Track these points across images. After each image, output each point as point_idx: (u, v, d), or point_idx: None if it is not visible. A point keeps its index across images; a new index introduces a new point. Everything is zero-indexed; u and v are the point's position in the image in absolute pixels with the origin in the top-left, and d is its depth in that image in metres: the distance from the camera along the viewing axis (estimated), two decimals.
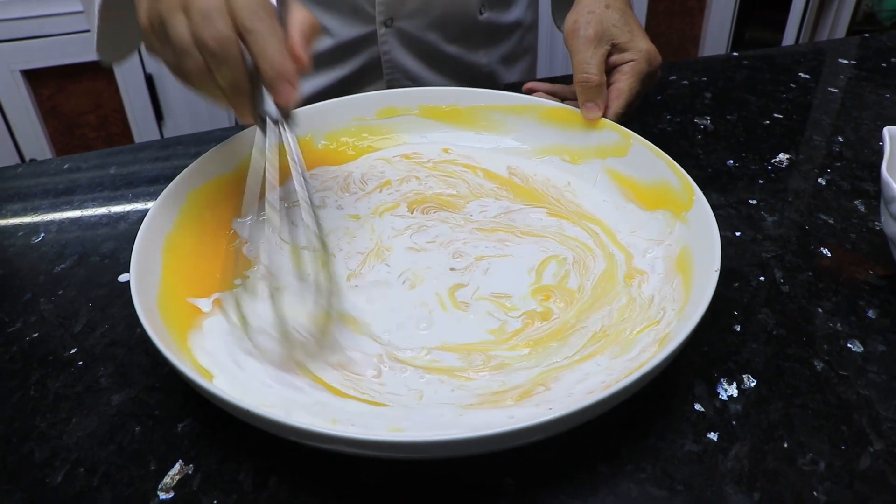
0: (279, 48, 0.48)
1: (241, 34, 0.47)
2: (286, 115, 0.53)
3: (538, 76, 1.09)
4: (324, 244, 0.51)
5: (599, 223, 0.60)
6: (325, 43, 0.86)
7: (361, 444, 0.38)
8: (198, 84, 0.50)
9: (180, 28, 0.47)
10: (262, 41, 0.47)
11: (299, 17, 0.51)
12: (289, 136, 0.53)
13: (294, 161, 0.52)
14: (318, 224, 0.52)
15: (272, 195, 0.51)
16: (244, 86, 0.49)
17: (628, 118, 0.68)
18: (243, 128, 0.65)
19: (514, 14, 0.96)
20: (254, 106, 0.52)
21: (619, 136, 0.65)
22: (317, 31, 0.52)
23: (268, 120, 0.52)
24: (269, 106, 0.52)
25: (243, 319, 0.48)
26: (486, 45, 0.94)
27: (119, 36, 0.68)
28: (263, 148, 0.52)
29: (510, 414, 0.44)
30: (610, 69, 0.69)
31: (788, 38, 2.21)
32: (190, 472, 0.44)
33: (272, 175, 0.51)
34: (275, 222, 0.51)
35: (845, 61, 0.96)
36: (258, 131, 0.53)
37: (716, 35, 2.23)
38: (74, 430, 0.47)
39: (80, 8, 1.64)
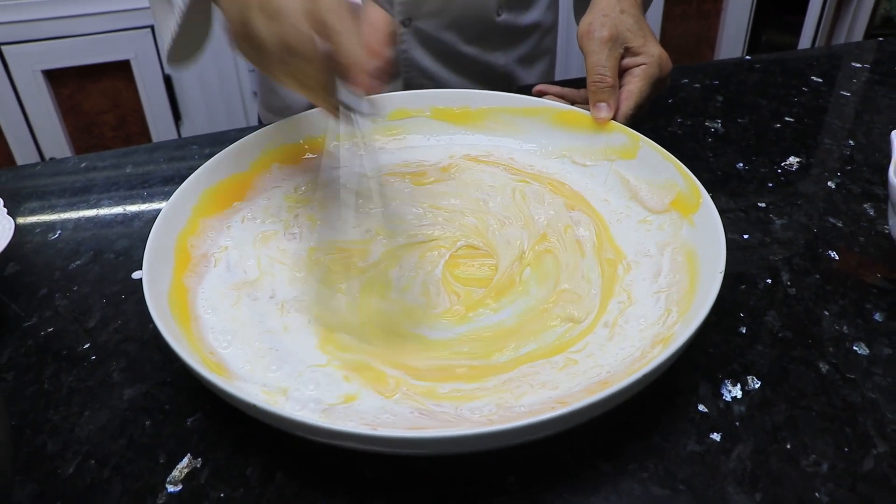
0: (355, 41, 0.50)
1: (319, 31, 0.50)
2: (361, 105, 0.55)
3: (556, 78, 1.10)
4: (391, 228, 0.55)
5: (603, 223, 0.61)
6: None
7: (366, 439, 0.39)
8: (280, 78, 0.54)
9: (262, 27, 0.51)
10: (338, 36, 0.50)
11: (374, 15, 0.54)
12: (361, 126, 0.55)
13: (364, 149, 0.56)
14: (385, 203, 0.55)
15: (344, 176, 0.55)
16: (321, 79, 0.52)
17: (638, 121, 0.68)
18: (257, 128, 0.66)
19: (533, 16, 0.96)
20: (332, 97, 0.54)
21: (629, 139, 0.65)
22: (392, 28, 0.55)
23: (342, 109, 0.55)
24: (346, 97, 0.54)
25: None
26: (503, 46, 0.95)
27: (192, 40, 0.70)
28: (337, 135, 0.56)
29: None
30: (622, 72, 0.69)
31: (805, 42, 2.20)
32: (198, 465, 0.45)
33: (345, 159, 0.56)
34: (349, 203, 0.55)
35: (858, 65, 0.96)
36: (335, 120, 0.56)
37: (732, 38, 2.23)
38: (86, 424, 0.48)
39: (99, 10, 1.67)
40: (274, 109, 0.98)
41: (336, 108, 0.55)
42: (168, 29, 0.68)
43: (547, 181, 0.66)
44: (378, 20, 0.53)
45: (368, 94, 0.52)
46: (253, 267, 0.57)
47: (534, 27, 0.97)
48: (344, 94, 0.53)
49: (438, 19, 0.87)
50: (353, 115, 0.54)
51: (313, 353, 0.49)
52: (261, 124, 1.03)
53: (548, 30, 1.02)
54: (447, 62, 0.92)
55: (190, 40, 0.70)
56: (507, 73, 0.97)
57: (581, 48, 0.70)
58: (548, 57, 1.04)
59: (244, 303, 0.53)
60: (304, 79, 0.52)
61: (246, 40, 0.53)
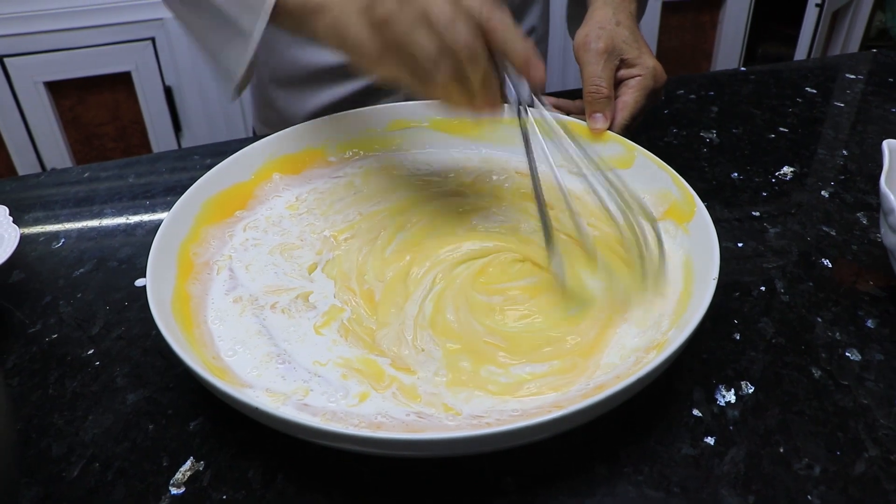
0: (519, 35, 0.52)
1: (484, 33, 0.51)
2: (537, 95, 0.57)
3: (550, 87, 1.11)
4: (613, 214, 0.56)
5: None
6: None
7: (365, 441, 0.40)
8: (445, 91, 0.53)
9: (425, 42, 0.51)
10: (503, 33, 0.51)
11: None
12: (545, 112, 0.58)
13: (558, 133, 0.58)
14: (615, 188, 0.56)
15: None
16: (495, 78, 0.54)
17: (634, 132, 0.70)
18: (258, 138, 0.67)
19: (525, 27, 0.97)
20: (503, 94, 0.56)
21: (624, 149, 0.66)
22: None
23: (517, 104, 0.57)
24: (518, 91, 0.56)
25: None
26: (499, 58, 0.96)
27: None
28: (528, 130, 0.57)
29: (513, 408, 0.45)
30: (617, 83, 0.70)
31: (800, 54, 2.21)
32: (201, 468, 0.45)
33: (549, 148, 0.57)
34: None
35: (853, 76, 0.97)
36: (516, 119, 0.58)
37: (728, 50, 2.24)
38: (90, 428, 0.48)
39: (100, 22, 1.69)
40: (270, 123, 0.99)
41: (504, 102, 0.56)
42: (236, 56, 0.65)
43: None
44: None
45: (543, 81, 0.54)
46: (257, 275, 0.58)
47: (527, 36, 0.98)
48: (511, 88, 0.56)
49: None
50: (521, 107, 0.57)
51: (316, 357, 0.50)
52: (256, 138, 1.03)
53: (540, 39, 1.03)
54: None
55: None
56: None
57: (577, 59, 0.71)
58: None
59: (248, 311, 0.54)
60: (481, 82, 0.53)
61: (402, 60, 0.53)
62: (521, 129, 0.57)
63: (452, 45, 0.50)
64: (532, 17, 0.98)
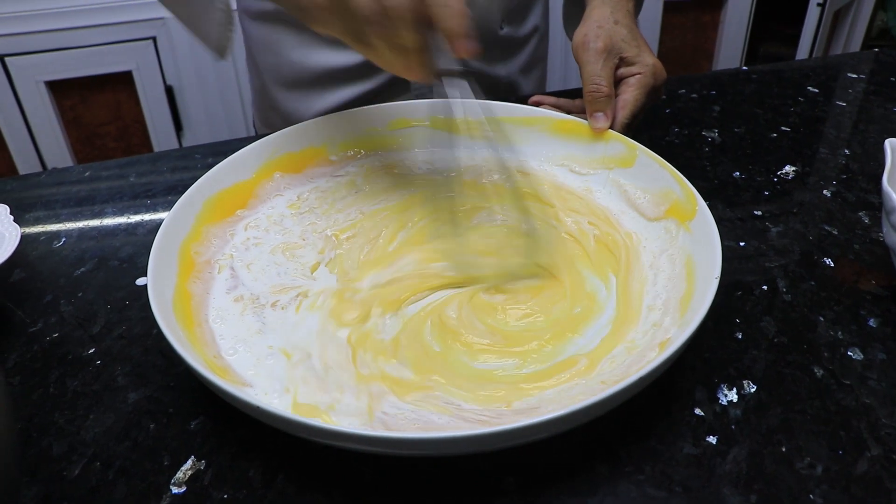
0: (458, 9, 0.52)
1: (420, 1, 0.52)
2: (463, 71, 0.57)
3: (551, 85, 1.11)
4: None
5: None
6: (354, 57, 0.88)
7: (365, 440, 0.40)
8: (378, 52, 0.55)
9: (363, 2, 0.52)
10: (439, 4, 0.52)
11: None
12: (468, 88, 0.58)
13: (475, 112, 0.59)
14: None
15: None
16: (425, 45, 0.54)
17: (635, 130, 0.69)
18: (258, 137, 0.67)
19: (528, 26, 0.98)
20: (429, 61, 0.56)
21: (626, 148, 0.66)
22: None
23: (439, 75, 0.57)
24: (446, 63, 0.56)
25: None
26: (503, 57, 0.96)
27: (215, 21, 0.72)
28: (447, 101, 0.57)
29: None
30: (617, 82, 0.70)
31: (802, 53, 2.21)
32: (202, 467, 0.45)
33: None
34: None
35: (854, 75, 0.97)
36: (437, 90, 0.58)
37: (730, 50, 2.24)
38: (92, 427, 0.48)
39: (102, 21, 1.69)
40: (273, 126, 0.99)
41: (432, 73, 0.56)
42: (214, 20, 0.69)
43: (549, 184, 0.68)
44: None
45: (471, 57, 0.54)
46: (259, 274, 0.58)
47: (530, 36, 0.99)
48: (440, 58, 0.56)
49: None
50: (448, 80, 0.57)
51: (316, 355, 0.50)
52: (257, 137, 1.03)
53: (542, 38, 1.03)
54: None
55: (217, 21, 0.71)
56: (510, 83, 0.98)
57: (576, 59, 0.71)
58: (541, 64, 1.06)
59: (249, 310, 0.54)
60: (411, 47, 0.53)
61: (336, 8, 0.54)
62: (439, 101, 0.58)
63: (387, 8, 0.51)
64: (534, 17, 0.98)
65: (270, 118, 0.99)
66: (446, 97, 0.57)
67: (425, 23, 0.53)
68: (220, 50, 0.73)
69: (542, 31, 1.03)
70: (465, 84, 0.57)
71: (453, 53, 0.54)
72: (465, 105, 0.58)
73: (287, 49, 0.90)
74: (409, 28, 0.52)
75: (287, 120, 0.95)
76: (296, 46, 0.89)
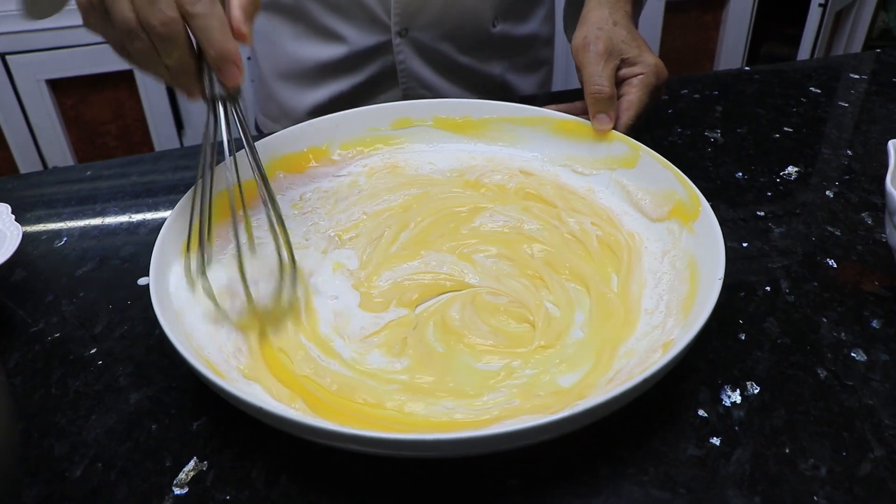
0: (222, 30, 0.49)
1: (184, 17, 0.48)
2: (233, 96, 0.54)
3: (555, 87, 1.11)
4: (282, 226, 0.54)
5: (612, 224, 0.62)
6: (340, 50, 0.88)
7: (368, 441, 0.40)
8: (143, 64, 0.52)
9: (124, 10, 0.48)
10: (204, 23, 0.49)
11: None
12: (238, 115, 0.54)
13: (247, 138, 0.54)
14: (272, 202, 0.54)
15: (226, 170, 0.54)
16: (191, 66, 0.51)
17: (637, 130, 0.69)
18: (261, 136, 0.67)
19: (530, 27, 0.97)
20: (202, 85, 0.53)
21: (629, 148, 0.66)
22: (257, 4, 0.53)
23: (218, 100, 0.54)
24: (211, 86, 0.53)
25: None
26: (498, 56, 0.95)
27: None
28: (213, 128, 0.54)
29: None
30: (619, 82, 0.70)
31: (803, 54, 2.21)
32: (204, 468, 0.45)
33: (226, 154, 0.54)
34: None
35: (856, 76, 0.97)
36: (209, 111, 0.54)
37: (731, 50, 2.24)
38: (93, 427, 0.48)
39: None
40: (272, 116, 0.99)
41: (212, 98, 0.53)
42: None
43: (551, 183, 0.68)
44: None
45: (238, 84, 0.52)
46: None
47: (531, 38, 0.98)
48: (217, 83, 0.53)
49: (435, 30, 0.88)
50: (228, 106, 0.54)
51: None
52: (258, 130, 1.04)
53: (545, 42, 1.03)
54: (444, 72, 0.93)
55: None
56: (503, 82, 0.98)
57: (576, 61, 0.70)
58: (545, 67, 1.05)
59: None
60: (174, 67, 0.51)
61: (105, 20, 0.50)
62: (207, 127, 0.54)
63: (147, 21, 0.48)
64: (536, 20, 0.98)
65: (269, 108, 0.99)
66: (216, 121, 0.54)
67: (190, 43, 0.50)
68: (34, 12, 0.67)
69: (547, 35, 1.02)
70: (238, 114, 0.54)
71: (221, 80, 0.52)
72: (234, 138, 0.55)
73: (283, 40, 0.91)
74: (169, 45, 0.49)
75: (283, 110, 0.96)
76: (291, 38, 0.90)
